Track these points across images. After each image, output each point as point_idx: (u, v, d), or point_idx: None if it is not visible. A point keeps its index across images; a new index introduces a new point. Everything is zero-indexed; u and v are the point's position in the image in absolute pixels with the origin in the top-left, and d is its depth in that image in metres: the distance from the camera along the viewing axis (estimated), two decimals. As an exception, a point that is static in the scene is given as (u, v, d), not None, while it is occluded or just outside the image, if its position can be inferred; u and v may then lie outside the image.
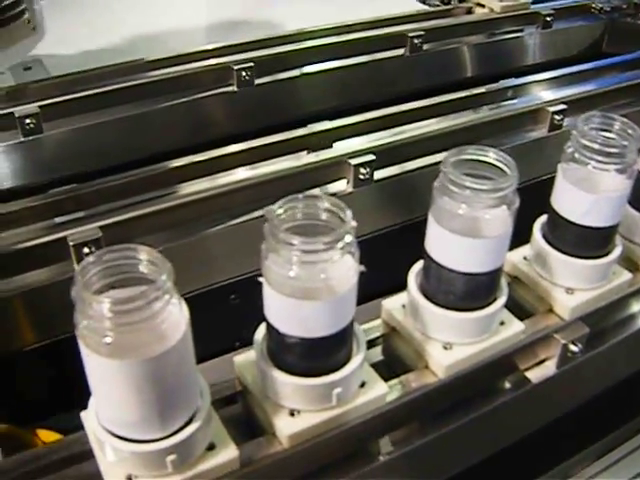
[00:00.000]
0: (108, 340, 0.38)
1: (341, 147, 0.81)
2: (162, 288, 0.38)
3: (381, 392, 0.49)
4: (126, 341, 0.39)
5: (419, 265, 0.54)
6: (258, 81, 0.97)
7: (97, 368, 0.39)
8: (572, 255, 0.58)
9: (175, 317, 0.40)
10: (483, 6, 1.21)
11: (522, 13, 1.20)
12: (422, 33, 1.08)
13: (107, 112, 0.90)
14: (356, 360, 0.47)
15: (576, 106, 0.94)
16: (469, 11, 1.22)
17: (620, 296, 0.61)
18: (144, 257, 0.40)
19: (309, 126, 0.82)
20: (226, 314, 0.78)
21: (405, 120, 0.87)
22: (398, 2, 1.69)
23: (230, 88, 0.95)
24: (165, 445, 0.42)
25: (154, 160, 0.81)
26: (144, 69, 0.97)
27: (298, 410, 0.47)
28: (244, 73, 0.94)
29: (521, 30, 1.21)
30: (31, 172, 0.86)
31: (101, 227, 0.69)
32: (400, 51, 1.08)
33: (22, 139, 0.85)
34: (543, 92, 0.98)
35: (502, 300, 0.53)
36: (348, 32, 1.06)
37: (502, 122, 0.90)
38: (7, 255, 0.69)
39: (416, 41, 1.08)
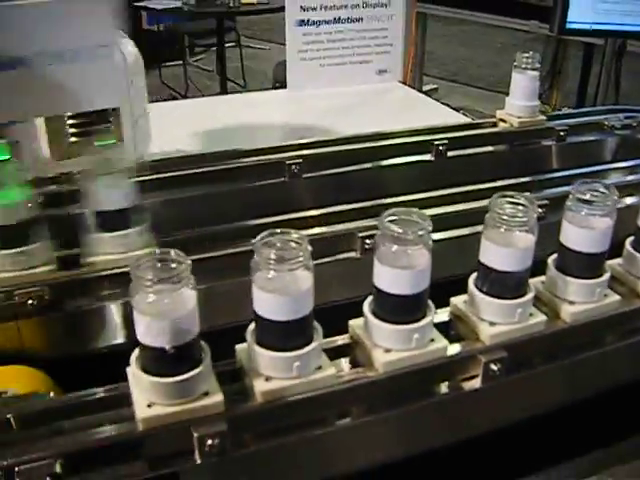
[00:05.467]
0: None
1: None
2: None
3: (331, 372, 0.71)
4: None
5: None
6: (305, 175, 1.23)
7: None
8: (494, 296, 0.79)
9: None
10: (505, 122, 1.45)
11: (538, 128, 1.44)
12: (446, 142, 1.33)
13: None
14: (314, 344, 0.70)
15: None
16: (493, 125, 1.45)
17: (538, 334, 0.81)
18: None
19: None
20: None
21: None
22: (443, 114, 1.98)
23: (280, 179, 1.22)
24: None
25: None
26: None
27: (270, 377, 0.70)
28: (294, 167, 1.21)
29: (537, 142, 1.43)
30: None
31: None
32: (426, 156, 1.33)
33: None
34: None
35: (429, 317, 0.74)
36: (378, 140, 1.32)
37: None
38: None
39: (440, 148, 1.32)
